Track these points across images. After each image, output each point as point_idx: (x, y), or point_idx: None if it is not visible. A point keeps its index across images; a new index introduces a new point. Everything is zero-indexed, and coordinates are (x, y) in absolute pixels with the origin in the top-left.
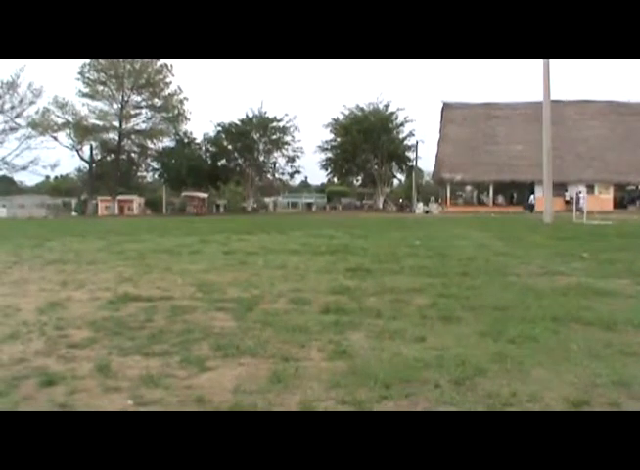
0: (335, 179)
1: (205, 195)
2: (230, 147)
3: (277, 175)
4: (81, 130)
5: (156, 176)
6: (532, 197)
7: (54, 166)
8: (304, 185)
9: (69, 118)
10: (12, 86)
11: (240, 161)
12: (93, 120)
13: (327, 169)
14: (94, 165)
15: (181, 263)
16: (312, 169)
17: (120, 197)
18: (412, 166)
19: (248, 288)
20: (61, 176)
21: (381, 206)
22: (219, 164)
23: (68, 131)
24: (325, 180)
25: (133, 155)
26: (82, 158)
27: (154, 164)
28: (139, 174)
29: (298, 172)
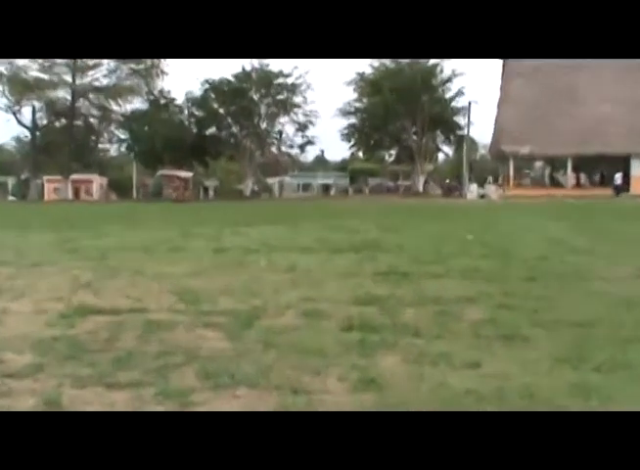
0: (360, 154)
1: (189, 174)
2: (222, 111)
3: (284, 148)
4: (19, 86)
5: (122, 149)
6: (618, 176)
7: None
8: (320, 161)
9: (2, 69)
10: None
11: (235, 129)
12: (35, 73)
13: (350, 141)
14: (38, 134)
15: (158, 265)
16: (330, 141)
17: (75, 176)
18: (462, 136)
19: (245, 297)
20: None
21: (421, 188)
22: (207, 133)
23: (0, 87)
24: (347, 155)
25: (92, 120)
26: (21, 123)
27: (120, 134)
28: (100, 146)
29: (312, 144)
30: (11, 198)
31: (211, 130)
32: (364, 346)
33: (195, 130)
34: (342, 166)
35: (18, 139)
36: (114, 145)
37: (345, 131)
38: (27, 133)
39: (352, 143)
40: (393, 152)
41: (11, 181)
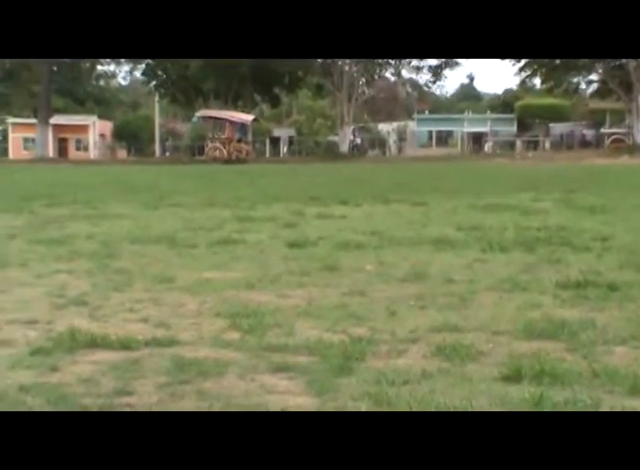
0: (536, 81)
1: (249, 117)
2: None
3: (406, 73)
4: None
5: (137, 75)
6: None
7: None
8: (467, 95)
9: None
10: None
11: None
12: None
13: (519, 60)
14: None
15: (195, 267)
16: (484, 63)
17: (58, 120)
18: None
19: (340, 323)
20: None
21: None
22: None
23: None
24: (513, 84)
25: None
26: None
27: None
28: (100, 70)
29: (453, 65)
30: None
31: None
32: (542, 408)
33: None
34: (504, 103)
35: None
36: (122, 67)
37: None
38: None
39: (523, 63)
40: (595, 77)
41: None
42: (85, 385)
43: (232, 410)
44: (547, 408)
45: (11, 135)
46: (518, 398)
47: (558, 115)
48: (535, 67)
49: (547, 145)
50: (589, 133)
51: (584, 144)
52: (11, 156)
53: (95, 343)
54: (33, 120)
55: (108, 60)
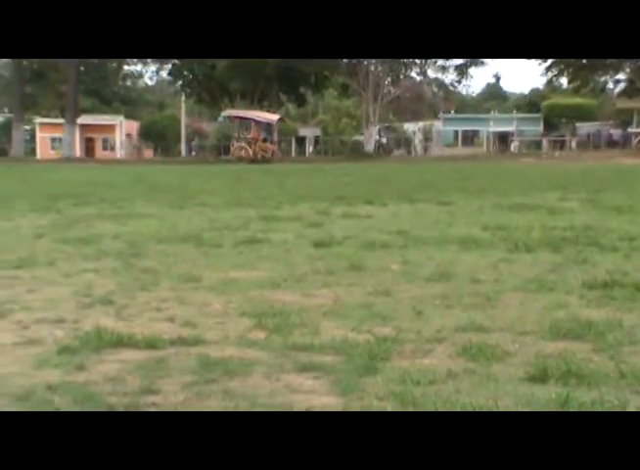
0: (563, 80)
1: (274, 117)
2: None
3: (432, 72)
4: None
5: (163, 74)
6: None
7: None
8: (493, 95)
9: None
10: None
11: None
12: None
13: (546, 60)
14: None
15: (221, 267)
16: (511, 62)
17: (86, 120)
18: None
19: (366, 322)
20: None
21: None
22: None
23: None
24: (540, 83)
25: None
26: None
27: None
28: (127, 69)
29: (479, 64)
30: None
31: None
32: (569, 409)
33: None
34: (530, 103)
35: None
36: (149, 67)
37: None
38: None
39: (550, 63)
40: (622, 76)
41: None
42: (112, 384)
43: (257, 410)
44: (573, 409)
45: (39, 135)
46: (544, 398)
47: (585, 114)
48: (562, 66)
49: (574, 145)
50: (616, 133)
51: (611, 144)
52: (39, 155)
53: (121, 342)
54: (61, 120)
55: (134, 60)
